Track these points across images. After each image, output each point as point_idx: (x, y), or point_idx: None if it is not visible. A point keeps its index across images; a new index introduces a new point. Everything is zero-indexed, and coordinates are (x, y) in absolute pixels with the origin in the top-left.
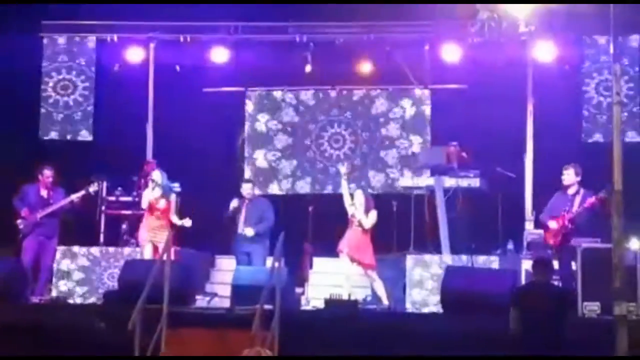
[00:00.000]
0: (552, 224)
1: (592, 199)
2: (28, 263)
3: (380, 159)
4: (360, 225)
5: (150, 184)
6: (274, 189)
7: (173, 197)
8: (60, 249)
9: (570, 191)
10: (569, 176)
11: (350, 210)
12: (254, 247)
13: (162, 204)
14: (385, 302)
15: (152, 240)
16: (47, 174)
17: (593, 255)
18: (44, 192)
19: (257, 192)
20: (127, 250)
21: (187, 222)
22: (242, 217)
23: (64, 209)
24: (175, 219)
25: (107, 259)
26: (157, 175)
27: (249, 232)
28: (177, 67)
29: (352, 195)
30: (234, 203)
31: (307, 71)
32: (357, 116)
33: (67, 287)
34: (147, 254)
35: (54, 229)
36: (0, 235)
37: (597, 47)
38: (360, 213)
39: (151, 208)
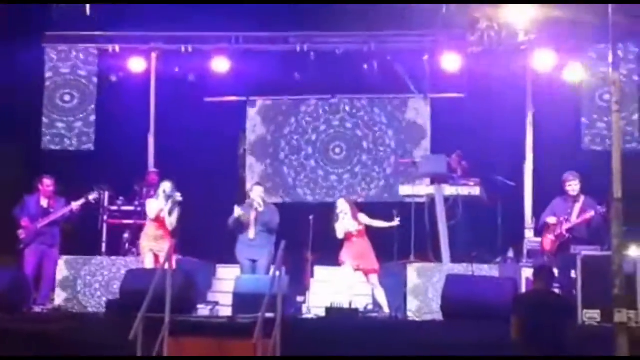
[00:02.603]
0: (552, 220)
1: (591, 213)
2: (30, 273)
3: (381, 167)
4: (359, 234)
5: (160, 194)
6: (274, 197)
7: (177, 210)
8: (63, 258)
9: (571, 198)
10: (576, 187)
11: (341, 234)
12: (261, 253)
13: (165, 214)
14: (386, 309)
15: (152, 249)
16: (47, 183)
17: (593, 263)
18: (44, 202)
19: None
20: (128, 259)
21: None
22: (252, 222)
23: (64, 218)
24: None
25: (109, 268)
26: (167, 185)
27: (252, 234)
28: (191, 76)
29: (335, 206)
30: (238, 211)
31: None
32: (358, 125)
33: (69, 296)
34: (148, 263)
35: (55, 238)
36: (3, 245)
37: (596, 56)
38: (349, 220)
39: (157, 218)
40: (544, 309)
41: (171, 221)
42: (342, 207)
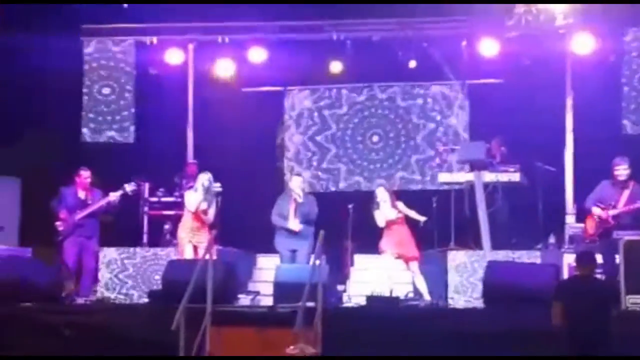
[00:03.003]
0: (597, 210)
1: (638, 204)
2: (71, 264)
3: (419, 155)
4: (400, 221)
5: (199, 187)
6: (312, 187)
7: (215, 201)
8: (104, 249)
9: (620, 184)
10: (625, 171)
11: (383, 222)
12: (301, 243)
13: (204, 206)
14: (427, 297)
15: (191, 240)
16: (84, 175)
17: (636, 248)
18: (81, 194)
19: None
20: (169, 250)
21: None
22: (291, 212)
23: (102, 210)
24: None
25: (151, 259)
26: (205, 177)
27: (296, 226)
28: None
29: (375, 195)
30: None
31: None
32: (395, 113)
33: (112, 287)
34: (188, 254)
35: (94, 229)
36: (44, 237)
37: (636, 39)
38: (389, 208)
39: (195, 210)
40: (587, 295)
41: (210, 213)
42: (382, 195)
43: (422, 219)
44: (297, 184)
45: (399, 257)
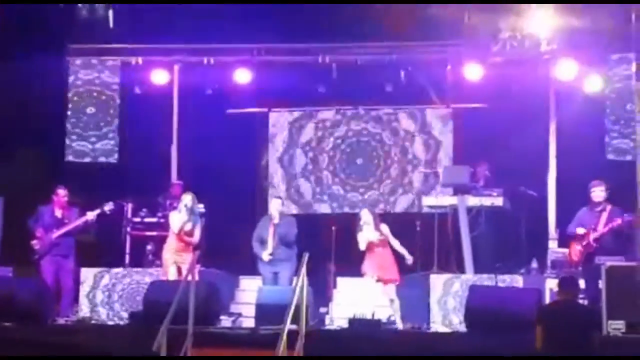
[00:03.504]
0: (581, 230)
1: (618, 221)
2: (49, 284)
3: (402, 179)
4: (381, 244)
5: (182, 208)
6: (294, 209)
7: (200, 222)
8: (85, 269)
9: (597, 207)
10: (601, 192)
11: (363, 245)
12: (282, 266)
13: (188, 227)
14: (400, 324)
15: (176, 261)
16: (62, 193)
17: (618, 273)
18: (58, 212)
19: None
20: (151, 270)
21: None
22: (270, 235)
23: (79, 229)
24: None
25: (132, 279)
26: (187, 198)
27: (266, 257)
28: (209, 91)
29: (359, 217)
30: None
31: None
32: (380, 136)
33: (93, 308)
34: (172, 275)
35: (70, 248)
36: (24, 256)
37: (619, 65)
38: (371, 231)
39: (179, 231)
40: (568, 320)
41: (196, 234)
42: (365, 217)
43: (408, 258)
44: (275, 207)
45: (378, 280)
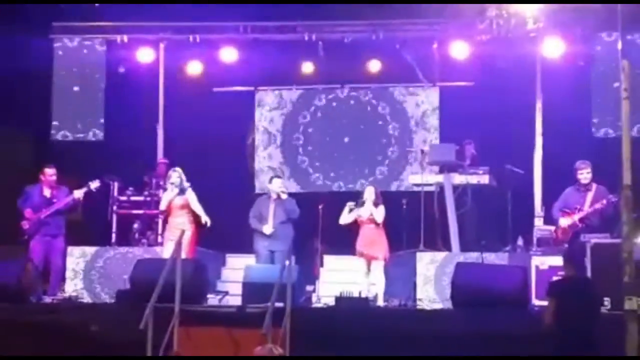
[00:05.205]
0: (563, 222)
1: (603, 202)
2: (38, 263)
3: (389, 156)
4: (372, 221)
5: (170, 186)
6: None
7: (189, 192)
8: (72, 248)
9: (583, 187)
10: (588, 175)
11: (349, 218)
12: (281, 244)
13: (178, 201)
14: (380, 301)
15: (172, 239)
16: (49, 172)
17: (603, 251)
18: (47, 192)
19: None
20: (138, 249)
21: (205, 218)
22: (271, 213)
23: (68, 207)
24: (199, 211)
25: (119, 258)
26: (174, 175)
27: (268, 230)
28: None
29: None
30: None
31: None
32: (366, 114)
33: (80, 286)
34: (167, 252)
35: (59, 227)
36: (12, 236)
37: (605, 43)
38: (370, 206)
39: (170, 208)
40: (580, 295)
41: (193, 204)
42: (370, 193)
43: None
44: (278, 185)
45: (361, 255)
